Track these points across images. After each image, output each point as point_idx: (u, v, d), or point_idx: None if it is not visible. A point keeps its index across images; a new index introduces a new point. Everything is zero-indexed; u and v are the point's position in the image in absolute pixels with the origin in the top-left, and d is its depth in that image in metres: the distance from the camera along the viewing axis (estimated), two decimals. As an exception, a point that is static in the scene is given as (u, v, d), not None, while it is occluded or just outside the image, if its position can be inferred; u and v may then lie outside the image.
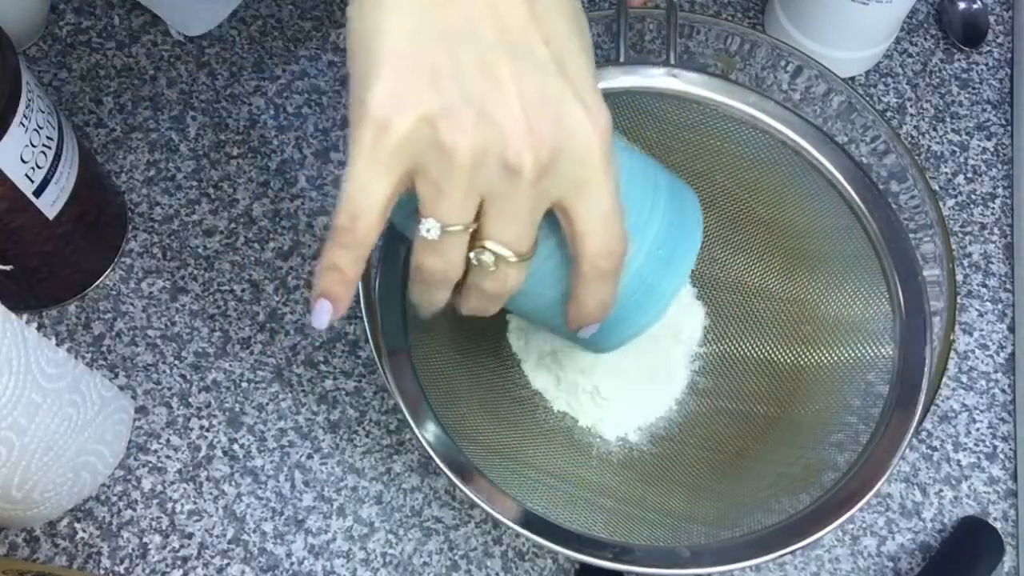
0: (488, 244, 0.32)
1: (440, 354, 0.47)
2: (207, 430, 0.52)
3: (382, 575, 0.49)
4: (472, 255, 0.33)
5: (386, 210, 0.32)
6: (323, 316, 0.34)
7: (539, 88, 0.31)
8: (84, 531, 0.50)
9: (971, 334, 0.56)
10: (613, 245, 0.34)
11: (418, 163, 0.31)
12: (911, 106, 0.62)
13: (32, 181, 0.45)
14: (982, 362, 0.56)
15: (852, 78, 0.63)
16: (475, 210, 0.32)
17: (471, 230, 0.32)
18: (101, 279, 0.55)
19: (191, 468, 0.51)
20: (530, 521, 0.41)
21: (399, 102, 0.30)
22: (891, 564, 0.51)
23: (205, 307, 0.55)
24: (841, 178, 0.47)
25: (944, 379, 0.54)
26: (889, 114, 0.62)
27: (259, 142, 0.59)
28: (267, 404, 0.53)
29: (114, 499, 0.50)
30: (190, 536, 0.50)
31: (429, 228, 0.32)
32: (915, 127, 0.62)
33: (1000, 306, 0.57)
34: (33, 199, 0.46)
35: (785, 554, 0.41)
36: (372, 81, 0.30)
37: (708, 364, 0.51)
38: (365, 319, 0.43)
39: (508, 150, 0.30)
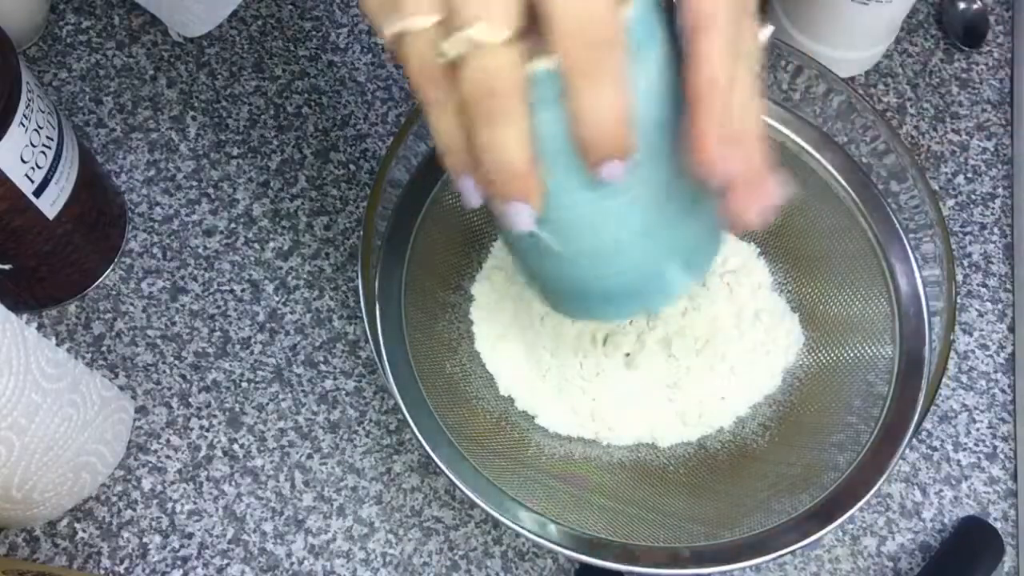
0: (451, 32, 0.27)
1: (440, 354, 0.47)
2: (207, 430, 0.52)
3: (382, 575, 0.49)
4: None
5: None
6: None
7: None
8: (84, 531, 0.50)
9: (971, 334, 0.56)
10: None
11: None
12: (911, 106, 0.62)
13: (32, 181, 0.45)
14: (982, 362, 0.56)
15: (852, 78, 0.63)
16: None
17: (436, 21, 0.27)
18: (101, 279, 0.55)
19: (191, 468, 0.51)
20: (530, 521, 0.41)
21: None
22: (891, 564, 0.51)
23: (205, 307, 0.55)
24: (841, 178, 0.47)
25: (944, 379, 0.54)
26: (889, 114, 0.62)
27: (259, 142, 0.59)
28: (267, 404, 0.53)
29: (114, 499, 0.50)
30: (190, 536, 0.50)
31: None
32: (915, 127, 0.62)
33: (1000, 306, 0.57)
34: (33, 199, 0.46)
35: (785, 554, 0.41)
36: None
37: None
38: (365, 319, 0.43)
39: None
